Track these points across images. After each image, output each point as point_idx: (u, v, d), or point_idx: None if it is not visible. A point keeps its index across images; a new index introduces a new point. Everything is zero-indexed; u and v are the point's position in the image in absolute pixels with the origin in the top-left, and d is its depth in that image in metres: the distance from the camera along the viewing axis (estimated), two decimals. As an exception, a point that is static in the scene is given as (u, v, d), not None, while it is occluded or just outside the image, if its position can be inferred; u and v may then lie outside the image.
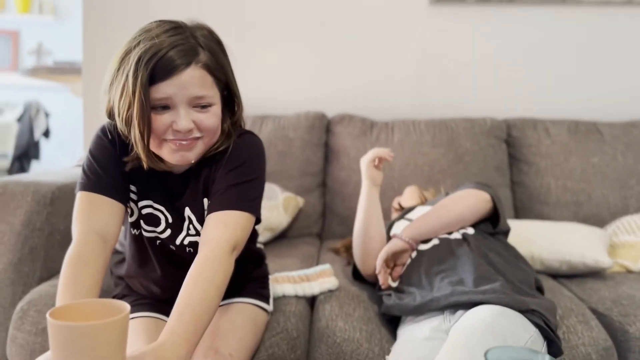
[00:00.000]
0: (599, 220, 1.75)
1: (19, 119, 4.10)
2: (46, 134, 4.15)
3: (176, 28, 0.87)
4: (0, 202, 1.28)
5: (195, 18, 0.92)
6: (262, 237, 1.69)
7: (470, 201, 1.26)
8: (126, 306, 0.67)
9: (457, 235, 1.23)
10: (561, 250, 1.46)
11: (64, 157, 4.33)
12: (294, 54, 2.11)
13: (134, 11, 2.09)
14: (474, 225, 1.27)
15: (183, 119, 0.85)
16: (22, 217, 1.28)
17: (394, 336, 1.15)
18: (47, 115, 4.14)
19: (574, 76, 2.08)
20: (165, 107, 0.86)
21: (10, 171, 4.01)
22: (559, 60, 2.08)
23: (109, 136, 0.93)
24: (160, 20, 0.88)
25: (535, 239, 1.51)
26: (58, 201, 1.33)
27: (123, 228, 1.05)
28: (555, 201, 1.80)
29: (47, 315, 0.63)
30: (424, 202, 1.58)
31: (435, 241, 1.24)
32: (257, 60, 2.10)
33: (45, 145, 4.28)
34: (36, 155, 4.10)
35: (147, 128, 0.84)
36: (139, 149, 0.86)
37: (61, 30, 4.66)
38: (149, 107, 0.83)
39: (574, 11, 2.06)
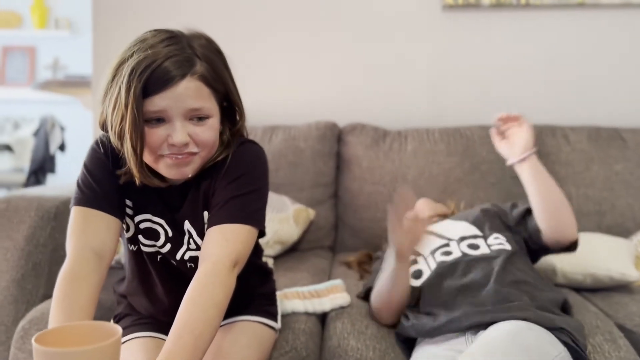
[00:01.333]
0: (624, 230, 1.67)
1: (35, 134, 4.14)
2: (62, 147, 4.18)
3: (172, 38, 0.83)
4: (4, 217, 1.26)
5: (201, 28, 0.89)
6: (272, 250, 1.65)
7: (570, 214, 1.19)
8: (117, 330, 0.63)
9: (483, 251, 1.16)
10: (584, 263, 1.39)
11: (79, 170, 4.36)
12: (304, 63, 2.07)
13: (143, 24, 2.07)
14: (522, 241, 1.21)
15: (179, 132, 0.81)
16: (26, 232, 1.25)
17: (408, 355, 1.09)
18: (62, 129, 4.17)
19: (594, 81, 2.01)
20: (160, 120, 0.82)
21: (27, 185, 4.03)
22: (577, 65, 2.01)
23: (102, 149, 0.90)
24: (156, 30, 0.85)
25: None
26: (62, 216, 1.30)
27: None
28: (577, 211, 1.70)
29: (33, 340, 0.60)
30: (445, 215, 1.51)
31: (457, 254, 1.17)
32: (266, 70, 2.07)
33: (61, 159, 4.31)
34: (52, 169, 4.13)
35: (139, 142, 0.80)
36: (131, 163, 0.82)
37: (77, 45, 4.72)
38: (142, 121, 0.80)
39: (592, 14, 1.99)
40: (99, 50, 2.11)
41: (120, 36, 2.08)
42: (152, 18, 2.08)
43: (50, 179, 4.26)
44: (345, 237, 1.83)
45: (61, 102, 4.61)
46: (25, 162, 4.24)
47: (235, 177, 0.89)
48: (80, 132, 4.30)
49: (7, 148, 4.27)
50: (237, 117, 0.93)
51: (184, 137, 0.82)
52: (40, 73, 4.81)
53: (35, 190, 1.37)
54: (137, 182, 0.86)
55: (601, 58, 2.00)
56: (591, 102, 2.01)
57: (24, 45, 4.85)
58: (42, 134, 4.07)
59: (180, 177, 0.87)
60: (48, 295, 1.27)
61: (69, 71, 4.62)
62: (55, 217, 1.29)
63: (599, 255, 1.39)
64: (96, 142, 0.91)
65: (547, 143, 1.81)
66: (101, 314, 1.05)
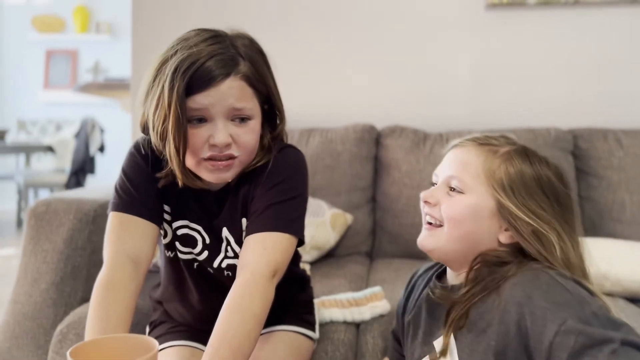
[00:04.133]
0: (683, 240, 1.57)
1: (76, 135, 4.24)
2: (101, 149, 4.27)
3: (215, 37, 0.81)
4: (44, 220, 1.26)
5: (238, 28, 0.87)
6: (309, 256, 1.62)
7: None
8: (154, 344, 0.61)
9: None
10: (641, 271, 1.31)
11: (118, 172, 4.46)
12: (341, 64, 2.03)
13: (182, 28, 2.08)
14: None
15: (221, 132, 0.79)
16: (65, 235, 1.25)
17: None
18: (102, 131, 4.26)
19: (649, 81, 1.91)
20: (202, 120, 0.80)
21: (68, 185, 4.14)
22: (630, 65, 1.91)
23: (142, 152, 0.88)
24: (199, 29, 0.83)
25: (610, 256, 1.35)
26: (100, 219, 1.30)
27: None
28: (631, 219, 1.63)
29: (67, 354, 0.58)
30: None
31: None
32: (303, 72, 2.05)
33: (100, 160, 4.40)
34: (92, 170, 4.22)
35: (182, 142, 0.78)
36: (174, 165, 0.80)
37: (117, 48, 4.82)
38: (185, 120, 0.77)
39: (647, 11, 1.89)
40: (138, 53, 2.13)
41: (158, 40, 2.09)
42: (191, 22, 2.08)
43: (89, 179, 4.35)
44: (383, 242, 1.78)
45: (101, 105, 4.72)
46: (66, 163, 4.35)
47: (275, 184, 0.86)
48: (119, 134, 4.39)
49: (50, 149, 4.39)
50: (278, 121, 0.90)
51: (225, 137, 0.79)
52: (82, 76, 4.92)
53: (73, 193, 1.38)
54: (180, 183, 0.84)
55: (656, 57, 1.90)
56: (645, 103, 1.91)
57: (66, 48, 4.98)
58: (83, 135, 4.16)
59: (220, 182, 0.85)
60: (86, 299, 1.27)
61: (109, 74, 4.73)
62: (93, 221, 1.28)
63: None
64: (135, 147, 0.90)
65: (598, 147, 1.72)
66: (138, 319, 1.04)
